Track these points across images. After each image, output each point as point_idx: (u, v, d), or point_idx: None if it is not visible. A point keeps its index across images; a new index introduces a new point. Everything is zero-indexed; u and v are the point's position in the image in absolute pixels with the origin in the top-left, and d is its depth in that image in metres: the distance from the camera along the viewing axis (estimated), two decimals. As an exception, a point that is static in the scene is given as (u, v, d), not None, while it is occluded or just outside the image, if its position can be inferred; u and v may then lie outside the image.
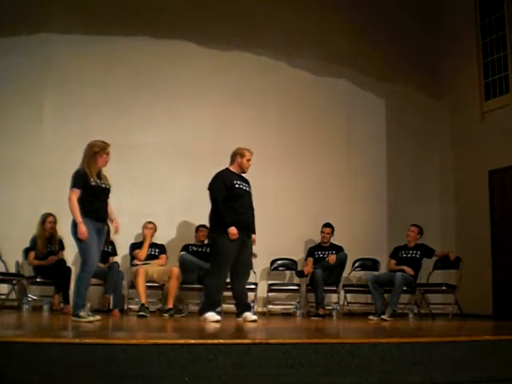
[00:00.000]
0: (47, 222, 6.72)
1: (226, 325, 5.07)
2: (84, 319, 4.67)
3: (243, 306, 5.52)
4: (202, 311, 5.45)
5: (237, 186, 5.50)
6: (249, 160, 5.64)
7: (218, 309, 5.69)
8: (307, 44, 8.27)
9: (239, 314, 5.54)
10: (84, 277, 4.81)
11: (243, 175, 5.69)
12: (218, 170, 5.67)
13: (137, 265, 6.73)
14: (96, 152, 4.96)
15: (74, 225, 4.82)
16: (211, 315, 5.27)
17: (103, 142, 5.04)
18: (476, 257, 7.46)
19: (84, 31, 7.63)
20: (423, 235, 7.26)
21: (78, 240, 4.80)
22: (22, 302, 6.31)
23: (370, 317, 6.57)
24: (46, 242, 6.72)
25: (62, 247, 6.78)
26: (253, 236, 5.61)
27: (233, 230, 5.31)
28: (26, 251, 6.73)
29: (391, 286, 6.72)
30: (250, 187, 5.68)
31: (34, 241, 6.72)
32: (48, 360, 2.83)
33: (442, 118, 8.66)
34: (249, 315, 5.41)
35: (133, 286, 6.62)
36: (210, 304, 5.42)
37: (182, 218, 7.63)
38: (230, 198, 5.45)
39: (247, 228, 5.50)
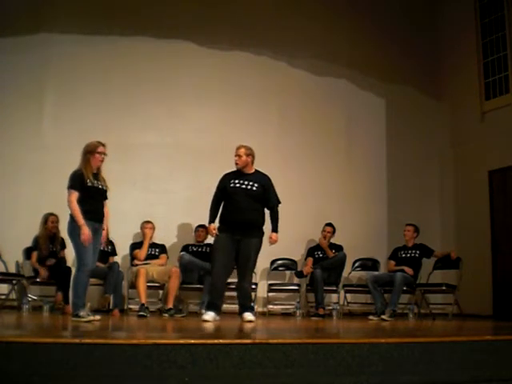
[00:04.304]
0: (49, 221, 6.71)
1: (226, 325, 5.07)
2: (84, 319, 4.67)
3: (242, 306, 5.51)
4: (205, 308, 5.53)
5: (231, 185, 5.47)
6: (235, 156, 5.54)
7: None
8: (307, 44, 8.28)
9: (239, 313, 5.55)
10: (81, 277, 4.81)
11: (251, 172, 5.55)
12: None
13: (137, 265, 6.74)
14: (88, 152, 4.96)
15: (71, 224, 4.82)
16: (205, 313, 5.34)
17: (98, 141, 5.03)
18: (476, 257, 7.46)
19: (84, 31, 7.63)
20: (421, 234, 7.27)
21: (75, 240, 4.80)
22: (22, 302, 6.32)
23: (370, 317, 6.56)
24: (48, 242, 6.71)
25: (63, 246, 6.75)
26: (272, 236, 5.51)
27: (210, 227, 5.52)
28: (29, 251, 6.73)
29: (391, 286, 6.72)
30: (255, 184, 5.46)
31: (36, 241, 6.70)
32: (48, 360, 2.83)
33: (441, 118, 8.66)
34: (246, 315, 5.37)
35: (133, 286, 6.63)
36: (209, 302, 5.46)
37: (181, 218, 7.63)
38: (226, 198, 5.51)
39: (240, 227, 5.37)
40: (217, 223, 5.52)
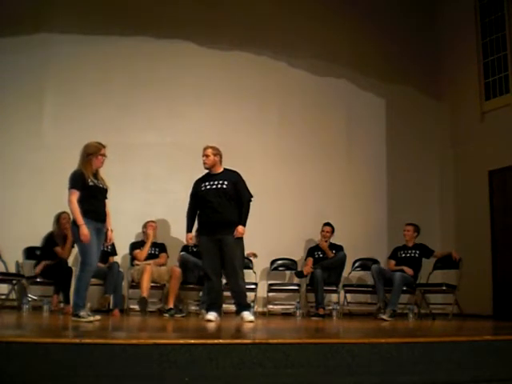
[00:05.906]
0: (62, 218, 6.73)
1: (226, 325, 5.07)
2: (84, 319, 4.67)
3: (238, 305, 5.51)
4: (206, 310, 5.59)
5: (202, 188, 5.55)
6: (203, 156, 5.60)
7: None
8: (307, 44, 8.28)
9: (237, 312, 5.55)
10: (84, 277, 4.81)
11: (219, 172, 5.60)
12: None
13: (138, 265, 6.74)
14: (90, 153, 4.96)
15: (74, 225, 4.82)
16: (207, 313, 5.43)
17: (98, 143, 5.03)
18: (476, 257, 7.45)
19: (84, 31, 7.63)
20: (421, 234, 7.28)
21: (78, 240, 4.80)
22: (22, 302, 6.32)
23: (380, 315, 6.53)
24: (62, 241, 6.71)
25: (72, 245, 6.73)
26: (238, 228, 5.39)
27: (187, 237, 5.65)
28: (49, 248, 6.69)
29: (391, 285, 6.72)
30: (225, 182, 5.49)
31: (51, 238, 6.71)
32: (48, 360, 2.83)
33: (442, 118, 8.66)
34: (245, 315, 5.36)
35: (133, 286, 6.62)
36: (209, 304, 5.53)
37: (181, 218, 7.58)
38: (200, 202, 5.57)
39: (218, 226, 5.39)
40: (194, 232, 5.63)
